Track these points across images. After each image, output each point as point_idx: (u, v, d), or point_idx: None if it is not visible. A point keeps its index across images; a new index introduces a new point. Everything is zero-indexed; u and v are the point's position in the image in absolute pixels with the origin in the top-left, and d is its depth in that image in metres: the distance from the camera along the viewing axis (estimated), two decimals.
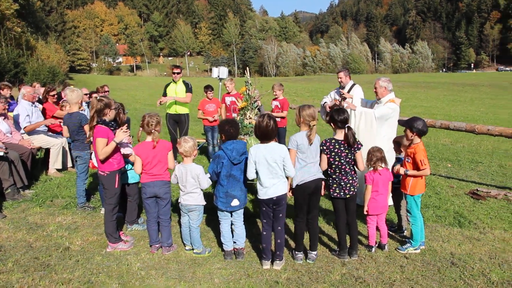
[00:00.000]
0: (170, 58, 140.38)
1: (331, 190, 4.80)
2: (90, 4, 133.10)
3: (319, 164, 4.75)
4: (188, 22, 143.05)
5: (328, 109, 7.65)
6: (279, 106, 9.07)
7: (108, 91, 12.25)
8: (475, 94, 42.92)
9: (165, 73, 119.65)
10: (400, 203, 5.43)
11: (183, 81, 9.01)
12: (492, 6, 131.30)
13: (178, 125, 9.13)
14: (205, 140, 10.21)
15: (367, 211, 4.97)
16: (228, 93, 9.52)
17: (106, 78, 79.12)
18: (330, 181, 4.80)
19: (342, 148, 4.68)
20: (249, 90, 5.45)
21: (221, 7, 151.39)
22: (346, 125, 4.69)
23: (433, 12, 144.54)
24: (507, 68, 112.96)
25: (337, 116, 4.70)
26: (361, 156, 4.79)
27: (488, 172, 9.40)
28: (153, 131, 4.80)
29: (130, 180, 5.55)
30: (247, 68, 5.58)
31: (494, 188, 7.88)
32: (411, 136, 4.85)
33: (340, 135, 4.72)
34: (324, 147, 4.70)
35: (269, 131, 4.45)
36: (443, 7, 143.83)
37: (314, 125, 4.58)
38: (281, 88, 8.98)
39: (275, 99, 9.11)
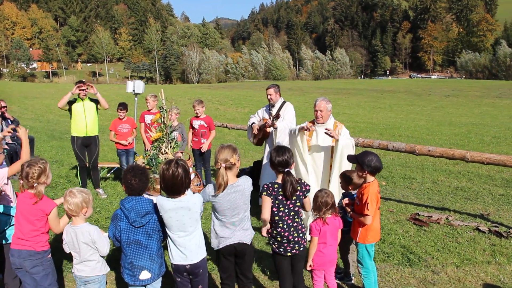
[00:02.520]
0: (89, 64, 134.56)
1: (273, 246, 3.87)
2: None
3: (262, 212, 3.75)
4: (107, 28, 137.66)
5: (256, 131, 6.85)
6: (205, 125, 8.12)
7: (5, 106, 10.64)
8: (393, 101, 44.37)
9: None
10: (349, 247, 4.67)
11: (90, 98, 7.80)
12: (403, 16, 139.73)
13: (87, 149, 7.86)
14: (118, 165, 8.99)
15: (310, 266, 4.06)
16: (149, 110, 8.49)
17: (19, 84, 73.54)
18: (272, 234, 3.87)
19: None
20: (164, 117, 4.42)
21: (141, 12, 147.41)
22: (286, 169, 3.74)
23: (350, 20, 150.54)
24: (418, 75, 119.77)
25: (275, 157, 3.74)
26: (309, 200, 3.92)
27: (423, 189, 9.05)
28: (35, 184, 3.55)
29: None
30: (161, 90, 4.55)
31: (433, 210, 7.45)
32: (363, 174, 4.09)
33: (281, 179, 3.79)
34: (268, 191, 3.75)
35: (177, 183, 3.42)
36: (359, 16, 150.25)
37: (221, 167, 3.56)
38: (203, 105, 8.05)
39: (197, 117, 8.16)
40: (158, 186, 4.21)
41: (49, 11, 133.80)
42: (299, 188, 3.78)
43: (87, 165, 7.89)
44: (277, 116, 6.35)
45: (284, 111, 6.73)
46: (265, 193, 3.74)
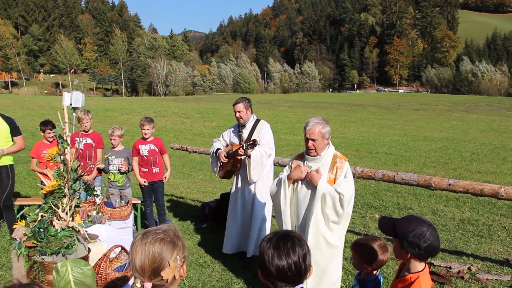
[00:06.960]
0: (52, 75, 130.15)
1: None
2: None
3: None
4: (71, 38, 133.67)
5: (223, 159, 5.17)
6: (156, 150, 6.35)
7: None
8: (363, 114, 43.67)
9: (46, 91, 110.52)
10: None
11: (2, 116, 5.84)
12: (370, 32, 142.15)
13: None
14: (42, 203, 7.01)
15: None
16: (85, 132, 6.71)
17: None
18: None
19: None
20: (65, 151, 2.58)
21: (107, 22, 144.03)
22: (297, 286, 1.78)
23: (318, 35, 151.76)
24: (385, 89, 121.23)
25: (270, 259, 1.78)
26: None
27: None
28: None
29: None
30: (63, 106, 2.77)
31: (446, 254, 5.94)
32: (407, 255, 2.31)
33: None
34: None
35: None
36: (327, 30, 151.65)
37: None
38: (154, 125, 6.29)
39: (145, 140, 6.38)
40: (51, 277, 2.47)
41: (8, 19, 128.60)
42: None
43: None
44: (253, 143, 4.63)
45: (259, 133, 5.08)
46: None
